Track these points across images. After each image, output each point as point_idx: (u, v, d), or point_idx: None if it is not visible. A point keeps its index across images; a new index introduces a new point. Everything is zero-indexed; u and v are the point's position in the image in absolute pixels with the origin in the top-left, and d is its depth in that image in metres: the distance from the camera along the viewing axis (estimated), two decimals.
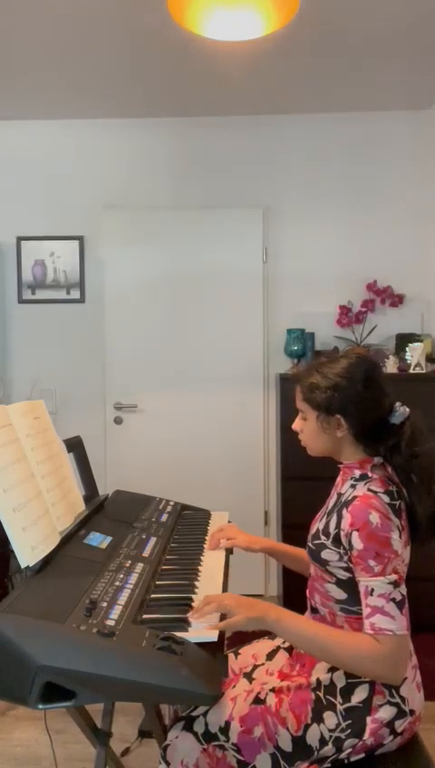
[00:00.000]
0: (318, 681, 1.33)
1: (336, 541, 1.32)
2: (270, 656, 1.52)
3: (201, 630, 1.17)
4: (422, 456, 1.34)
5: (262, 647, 1.58)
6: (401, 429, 1.37)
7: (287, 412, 3.10)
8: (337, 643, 1.24)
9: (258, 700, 1.33)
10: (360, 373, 1.38)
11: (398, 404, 1.40)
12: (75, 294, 3.62)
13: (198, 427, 3.57)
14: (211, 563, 1.57)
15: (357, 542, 1.25)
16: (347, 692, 1.30)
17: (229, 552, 1.69)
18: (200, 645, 1.13)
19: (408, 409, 1.40)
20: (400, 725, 1.29)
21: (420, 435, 1.37)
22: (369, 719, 1.28)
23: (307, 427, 1.44)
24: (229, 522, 1.95)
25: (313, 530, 1.44)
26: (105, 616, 1.15)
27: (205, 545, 1.69)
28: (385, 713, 1.28)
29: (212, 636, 1.16)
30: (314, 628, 1.28)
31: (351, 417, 1.38)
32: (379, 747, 1.29)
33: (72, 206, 3.62)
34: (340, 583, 1.34)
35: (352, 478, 1.39)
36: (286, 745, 1.28)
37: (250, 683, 1.42)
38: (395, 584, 1.23)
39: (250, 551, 1.67)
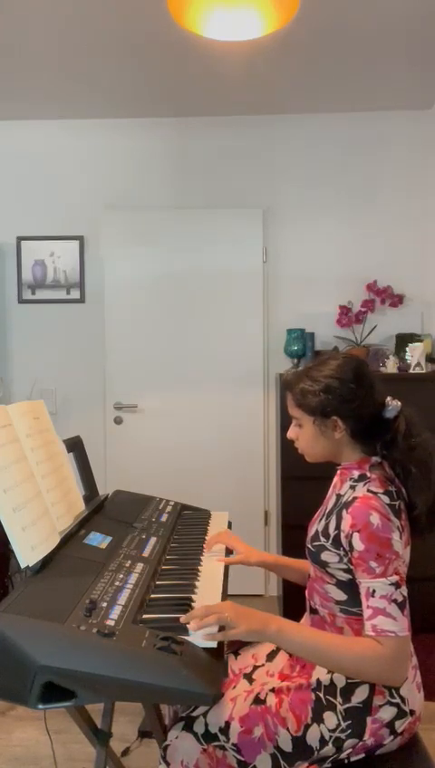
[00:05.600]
0: (318, 681, 1.33)
1: (336, 542, 1.32)
2: (270, 656, 1.52)
3: (201, 639, 1.15)
4: (419, 447, 1.35)
5: (262, 647, 1.57)
6: (395, 423, 1.37)
7: (287, 412, 3.09)
8: (339, 650, 1.23)
9: (258, 700, 1.33)
10: (349, 372, 1.38)
11: (389, 398, 1.40)
12: (75, 294, 3.63)
13: (198, 426, 3.57)
14: (211, 563, 1.56)
15: (358, 544, 1.25)
16: (347, 692, 1.30)
17: (229, 551, 1.69)
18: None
19: (399, 403, 1.40)
20: (400, 726, 1.29)
21: (415, 427, 1.38)
22: (369, 719, 1.28)
23: (304, 434, 1.44)
24: (230, 522, 1.95)
25: (311, 531, 1.43)
26: (105, 616, 1.15)
27: (205, 545, 1.69)
28: (385, 713, 1.28)
29: (211, 644, 1.15)
30: (316, 636, 1.27)
31: (347, 417, 1.38)
32: (379, 747, 1.29)
33: (72, 206, 3.62)
34: (340, 584, 1.34)
35: (350, 479, 1.39)
36: (286, 745, 1.28)
37: (250, 684, 1.42)
38: (396, 585, 1.23)
39: (246, 564, 1.64)
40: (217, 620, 1.18)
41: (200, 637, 1.16)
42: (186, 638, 1.13)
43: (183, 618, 1.19)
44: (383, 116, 3.55)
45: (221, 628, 1.19)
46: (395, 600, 1.22)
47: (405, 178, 3.56)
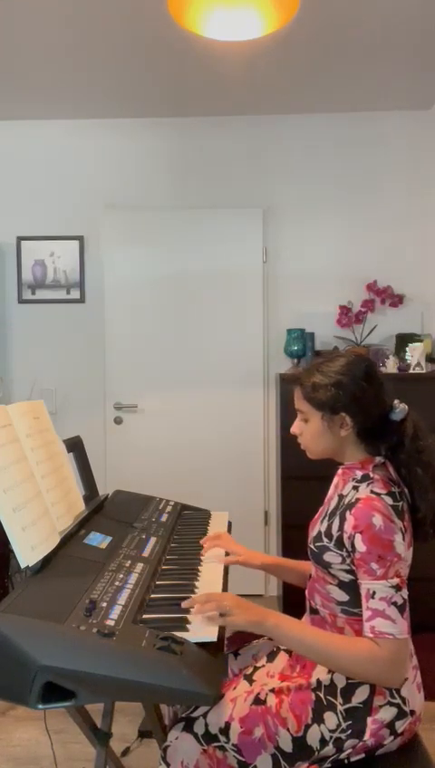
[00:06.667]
0: (318, 681, 1.33)
1: (339, 543, 1.31)
2: (270, 657, 1.52)
3: (200, 630, 1.17)
4: (427, 450, 1.35)
5: (262, 648, 1.57)
6: (402, 426, 1.37)
7: (287, 412, 3.10)
8: (336, 648, 1.23)
9: (258, 701, 1.33)
10: (360, 370, 1.38)
11: (397, 401, 1.40)
12: (75, 294, 3.63)
13: (198, 426, 3.57)
14: (211, 563, 1.56)
15: (360, 545, 1.25)
16: (347, 692, 1.29)
17: (229, 554, 1.68)
18: (200, 645, 1.13)
19: (407, 406, 1.40)
20: (400, 726, 1.29)
21: (421, 430, 1.38)
22: (369, 720, 1.27)
23: (309, 429, 1.43)
24: (230, 522, 1.95)
25: (314, 532, 1.43)
26: (105, 616, 1.15)
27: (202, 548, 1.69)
28: (386, 713, 1.28)
29: (212, 636, 1.15)
30: (313, 633, 1.27)
31: (355, 415, 1.37)
32: (379, 747, 1.29)
33: (72, 206, 3.62)
34: (342, 585, 1.34)
35: (353, 479, 1.38)
36: (287, 746, 1.28)
37: (250, 684, 1.41)
38: (397, 588, 1.23)
39: (249, 566, 1.63)
40: (217, 608, 1.21)
41: (200, 622, 1.18)
42: (186, 635, 1.14)
43: (185, 603, 1.23)
44: (383, 116, 3.55)
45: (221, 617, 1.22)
46: (395, 603, 1.22)
47: (405, 178, 3.56)
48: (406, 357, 3.20)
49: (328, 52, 2.88)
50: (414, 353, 3.12)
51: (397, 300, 3.49)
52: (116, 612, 1.17)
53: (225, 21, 2.14)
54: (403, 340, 3.34)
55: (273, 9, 2.10)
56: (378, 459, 1.40)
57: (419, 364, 3.10)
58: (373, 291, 3.50)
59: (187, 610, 1.25)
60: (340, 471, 1.45)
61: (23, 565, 1.26)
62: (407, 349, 3.21)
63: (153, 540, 1.64)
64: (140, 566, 1.44)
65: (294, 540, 3.02)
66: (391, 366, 3.18)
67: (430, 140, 3.51)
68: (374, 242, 3.57)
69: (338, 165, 3.58)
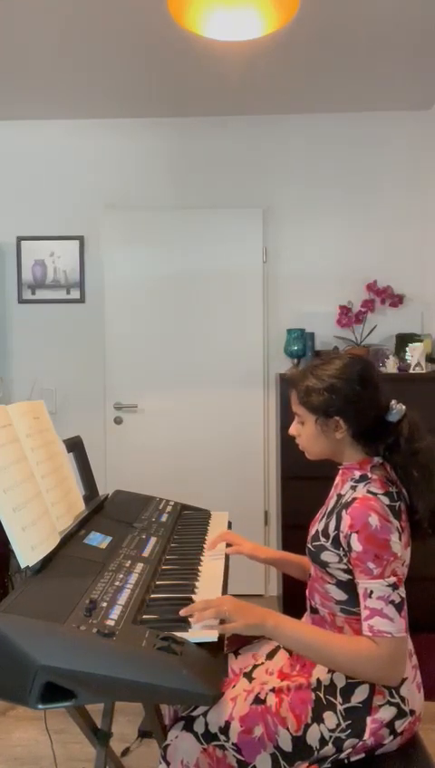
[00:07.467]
0: (318, 681, 1.33)
1: (336, 542, 1.32)
2: (270, 655, 1.52)
3: (201, 630, 1.18)
4: (422, 452, 1.35)
5: (262, 646, 1.58)
6: (398, 427, 1.37)
7: (287, 412, 3.09)
8: (335, 647, 1.24)
9: (258, 700, 1.33)
10: (354, 373, 1.37)
11: (393, 401, 1.40)
12: (75, 294, 3.63)
13: (198, 426, 3.57)
14: (211, 563, 1.56)
15: (356, 545, 1.25)
16: (347, 692, 1.30)
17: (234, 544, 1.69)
18: (200, 645, 1.13)
19: (404, 406, 1.39)
20: (400, 726, 1.29)
21: (418, 431, 1.37)
22: (369, 719, 1.28)
23: (305, 432, 1.43)
24: (230, 522, 1.95)
25: (312, 531, 1.44)
26: (105, 616, 1.15)
27: (205, 545, 1.69)
28: (385, 713, 1.28)
29: (212, 635, 1.16)
30: (312, 633, 1.28)
31: (349, 418, 1.37)
32: (379, 747, 1.29)
33: (72, 206, 3.62)
34: (340, 584, 1.34)
35: (351, 479, 1.39)
36: (286, 745, 1.28)
37: (250, 683, 1.42)
38: (394, 587, 1.23)
39: (255, 559, 1.65)
40: (216, 614, 1.21)
41: (199, 629, 1.17)
42: (185, 636, 1.14)
43: (183, 611, 1.21)
44: (383, 116, 3.55)
45: (221, 622, 1.21)
46: (392, 602, 1.22)
47: (405, 178, 3.56)
48: (406, 357, 3.20)
49: (328, 52, 2.88)
50: (414, 353, 3.12)
51: (397, 300, 3.49)
52: (116, 612, 1.17)
53: (225, 21, 2.14)
54: (403, 340, 3.34)
55: (273, 9, 2.10)
56: (376, 459, 1.40)
57: (419, 364, 3.10)
58: (373, 291, 3.50)
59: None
60: (340, 471, 1.45)
61: (23, 565, 1.26)
62: (407, 349, 3.21)
63: (153, 540, 1.64)
64: (140, 566, 1.44)
65: (293, 540, 3.02)
66: (391, 366, 3.18)
67: (430, 140, 3.51)
68: (374, 242, 3.57)
69: (338, 165, 3.58)
